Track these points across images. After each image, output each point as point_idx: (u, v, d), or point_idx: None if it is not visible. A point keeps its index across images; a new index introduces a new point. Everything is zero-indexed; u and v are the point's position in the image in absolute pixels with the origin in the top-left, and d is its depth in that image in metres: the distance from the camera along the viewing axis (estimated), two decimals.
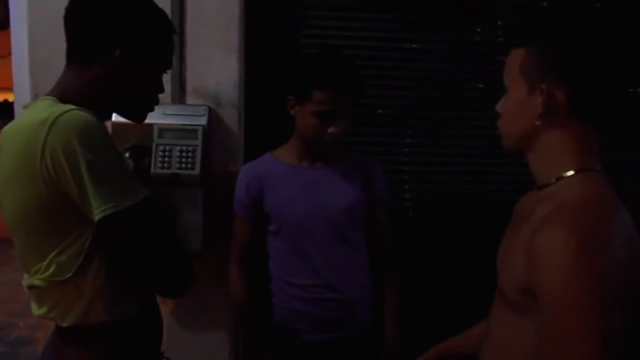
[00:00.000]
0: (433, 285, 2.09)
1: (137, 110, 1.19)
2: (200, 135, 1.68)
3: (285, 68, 1.82)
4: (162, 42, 1.16)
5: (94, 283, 1.05)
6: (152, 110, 1.21)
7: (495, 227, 1.16)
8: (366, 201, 1.63)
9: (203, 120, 1.71)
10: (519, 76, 0.94)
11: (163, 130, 1.67)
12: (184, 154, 1.66)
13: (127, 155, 1.65)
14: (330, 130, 1.48)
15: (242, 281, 1.66)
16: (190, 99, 1.82)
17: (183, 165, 1.66)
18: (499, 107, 1.02)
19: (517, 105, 0.95)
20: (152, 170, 1.64)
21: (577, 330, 0.77)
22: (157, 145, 1.65)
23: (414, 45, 2.03)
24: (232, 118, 1.85)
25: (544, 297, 0.82)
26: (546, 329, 0.82)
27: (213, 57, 1.81)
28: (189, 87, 1.82)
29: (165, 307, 1.87)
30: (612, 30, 0.94)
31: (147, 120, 1.62)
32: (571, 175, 0.89)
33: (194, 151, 1.66)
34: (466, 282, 2.04)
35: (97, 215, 0.96)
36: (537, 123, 0.91)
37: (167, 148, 1.66)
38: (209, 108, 1.75)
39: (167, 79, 1.76)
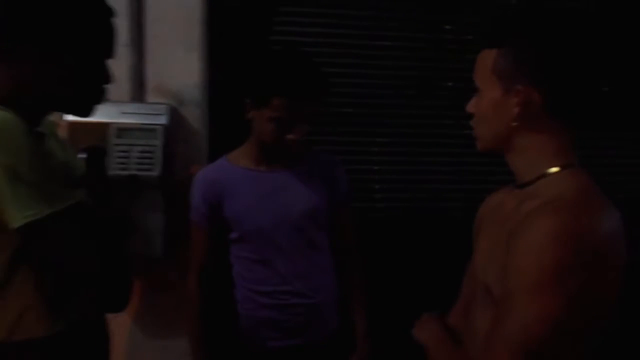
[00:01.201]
0: (404, 288, 2.04)
1: (79, 105, 1.08)
2: (160, 135, 1.61)
3: (244, 69, 1.75)
4: (91, 30, 1.03)
5: (20, 296, 0.97)
6: (98, 103, 1.11)
7: (468, 229, 1.13)
8: (330, 202, 1.58)
9: (163, 120, 1.63)
10: (492, 77, 0.93)
11: (121, 130, 1.59)
12: (143, 154, 1.58)
13: (84, 156, 1.57)
14: (290, 136, 1.42)
15: (199, 296, 1.58)
16: (150, 98, 1.75)
17: (142, 167, 1.58)
18: (470, 107, 1.00)
19: (491, 106, 0.93)
20: (109, 171, 1.56)
21: (531, 303, 0.78)
22: (115, 145, 1.58)
23: (384, 43, 1.99)
24: (195, 118, 1.78)
25: (511, 273, 0.82)
26: (502, 299, 0.83)
27: (174, 55, 1.74)
28: (149, 86, 1.75)
29: (127, 315, 1.79)
30: (585, 29, 0.95)
31: (105, 120, 1.58)
32: (557, 172, 0.90)
33: (153, 152, 1.59)
34: (437, 284, 2.00)
35: (16, 222, 0.89)
36: (514, 124, 0.90)
37: (126, 149, 1.58)
38: (170, 107, 1.68)
39: (125, 77, 1.72)
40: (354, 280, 1.65)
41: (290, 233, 1.52)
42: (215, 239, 1.58)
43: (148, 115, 1.63)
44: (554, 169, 0.90)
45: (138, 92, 1.73)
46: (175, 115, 1.72)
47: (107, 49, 1.08)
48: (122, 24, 1.65)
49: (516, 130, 0.91)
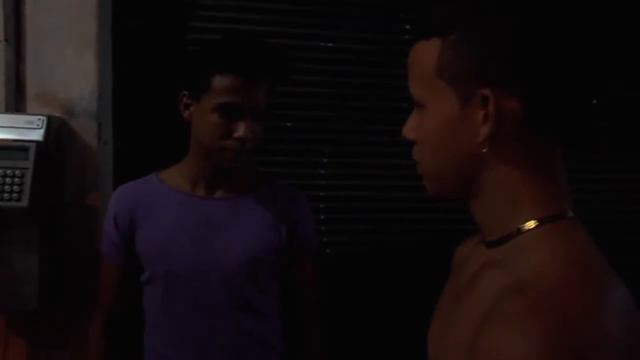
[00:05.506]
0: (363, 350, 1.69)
1: None
2: (32, 154, 1.26)
3: (176, 57, 1.40)
4: None
5: None
6: None
7: (433, 268, 0.92)
8: (282, 250, 1.20)
9: (38, 135, 1.28)
10: (438, 82, 0.61)
11: None
12: (7, 179, 1.24)
13: None
14: (238, 133, 1.06)
15: (103, 349, 1.22)
16: (32, 107, 1.40)
17: (6, 195, 1.23)
18: (408, 130, 0.68)
19: (444, 126, 0.62)
20: None
21: None
22: None
23: (330, 44, 1.66)
24: (89, 132, 1.43)
25: None
26: None
27: (62, 53, 1.40)
28: (30, 92, 1.40)
29: None
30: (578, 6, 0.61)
31: None
32: (533, 229, 0.60)
33: (22, 176, 1.24)
34: (408, 343, 1.66)
35: None
36: (484, 150, 0.59)
37: None
38: (52, 119, 1.33)
39: (0, 81, 1.37)
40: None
41: (215, 287, 1.14)
42: (131, 278, 1.20)
43: (18, 130, 1.28)
44: (531, 224, 0.59)
45: (15, 100, 1.38)
46: (60, 129, 1.37)
47: None
48: None
49: (484, 160, 0.60)
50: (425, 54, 0.62)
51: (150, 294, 1.19)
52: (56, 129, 1.35)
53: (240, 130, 1.06)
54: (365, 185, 1.72)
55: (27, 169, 1.25)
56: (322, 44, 1.66)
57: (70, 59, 1.40)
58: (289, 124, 1.66)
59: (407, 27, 1.70)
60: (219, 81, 1.05)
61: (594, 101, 0.62)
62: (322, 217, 1.68)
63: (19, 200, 1.23)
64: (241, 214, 1.18)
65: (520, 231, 0.60)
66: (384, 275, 1.72)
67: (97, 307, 1.24)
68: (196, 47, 1.53)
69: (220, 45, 1.10)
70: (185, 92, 1.12)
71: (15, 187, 1.23)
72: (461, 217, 0.88)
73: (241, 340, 1.17)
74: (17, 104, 1.39)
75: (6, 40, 1.36)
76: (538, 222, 0.59)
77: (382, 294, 1.71)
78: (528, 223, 0.59)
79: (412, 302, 1.63)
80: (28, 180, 1.24)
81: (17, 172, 1.24)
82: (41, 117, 1.30)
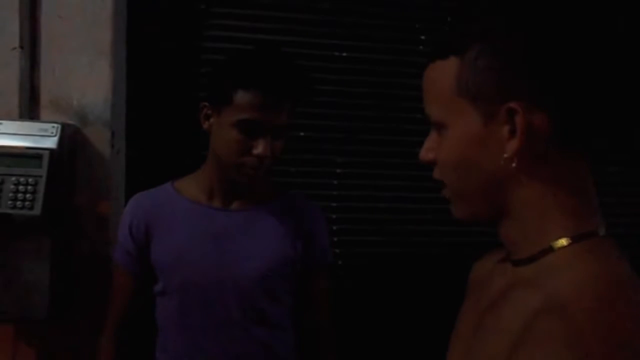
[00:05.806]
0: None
1: None
2: (45, 162, 1.25)
3: (190, 66, 1.40)
4: None
5: None
6: None
7: (451, 281, 0.89)
8: (298, 262, 1.19)
9: (51, 143, 1.27)
10: (459, 100, 0.59)
11: None
12: (20, 187, 1.22)
13: None
14: (257, 150, 1.05)
15: (114, 359, 1.20)
16: (46, 115, 1.39)
17: (18, 204, 1.22)
18: (427, 152, 0.65)
19: (467, 144, 0.60)
20: None
21: None
22: None
23: (344, 54, 1.66)
24: (102, 140, 1.42)
25: None
26: None
27: (77, 61, 1.39)
28: (45, 100, 1.39)
29: None
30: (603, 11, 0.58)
31: None
32: (566, 246, 0.58)
33: (35, 184, 1.23)
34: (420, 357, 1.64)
35: None
36: (513, 165, 0.57)
37: None
38: (65, 126, 1.32)
39: (14, 88, 1.37)
40: None
41: (231, 299, 1.13)
42: (143, 288, 1.19)
43: (32, 137, 1.27)
44: (562, 242, 0.57)
45: (29, 107, 1.38)
46: (73, 137, 1.36)
47: None
48: (11, 21, 1.34)
49: (511, 178, 0.58)
50: (442, 74, 0.60)
51: (163, 305, 1.18)
52: (70, 137, 1.34)
53: (260, 147, 1.05)
54: (379, 196, 1.71)
55: (40, 176, 1.23)
56: (336, 53, 1.65)
57: (84, 67, 1.40)
58: (302, 134, 1.65)
59: (422, 37, 1.69)
60: (241, 97, 1.04)
61: (624, 111, 0.60)
62: (334, 227, 1.67)
63: (31, 208, 1.22)
64: (257, 226, 1.16)
65: (551, 249, 0.58)
66: (397, 287, 1.70)
67: (108, 316, 1.22)
68: (211, 55, 1.54)
69: (245, 60, 1.09)
70: (206, 103, 1.11)
71: (28, 196, 1.22)
72: (476, 229, 0.87)
73: (254, 352, 1.15)
74: (31, 112, 1.38)
75: (21, 47, 1.36)
76: (570, 239, 0.57)
77: (395, 306, 1.69)
78: (560, 241, 0.57)
79: (425, 315, 1.61)
80: (41, 188, 1.23)
81: (30, 180, 1.23)
82: (55, 125, 1.29)
